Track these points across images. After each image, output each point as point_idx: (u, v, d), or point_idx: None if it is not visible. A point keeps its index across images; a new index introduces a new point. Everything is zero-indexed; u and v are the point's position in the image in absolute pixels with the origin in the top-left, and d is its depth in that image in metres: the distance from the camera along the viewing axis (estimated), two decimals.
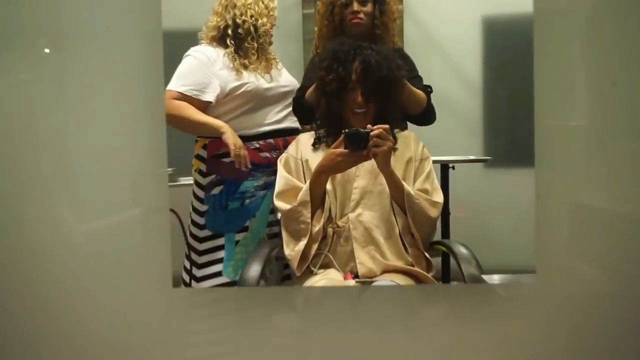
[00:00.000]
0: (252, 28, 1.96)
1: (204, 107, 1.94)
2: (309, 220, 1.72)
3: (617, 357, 1.36)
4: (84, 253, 1.47)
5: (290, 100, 2.02)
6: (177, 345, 1.46)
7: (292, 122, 2.04)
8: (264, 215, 1.99)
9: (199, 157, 2.02)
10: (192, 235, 2.02)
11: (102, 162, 1.48)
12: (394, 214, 1.75)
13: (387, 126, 1.65)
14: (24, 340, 1.47)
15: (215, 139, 1.96)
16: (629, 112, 1.33)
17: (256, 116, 1.99)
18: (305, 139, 1.88)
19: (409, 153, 1.82)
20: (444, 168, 2.07)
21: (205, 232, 2.00)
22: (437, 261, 1.80)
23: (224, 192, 1.98)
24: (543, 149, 1.35)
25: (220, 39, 1.99)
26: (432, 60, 2.27)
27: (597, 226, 1.36)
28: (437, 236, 1.85)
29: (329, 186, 1.76)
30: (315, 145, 1.84)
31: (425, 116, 1.94)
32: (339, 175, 1.78)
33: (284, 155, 1.87)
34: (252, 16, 1.96)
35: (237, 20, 1.96)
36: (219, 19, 1.98)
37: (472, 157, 2.20)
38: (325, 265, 1.74)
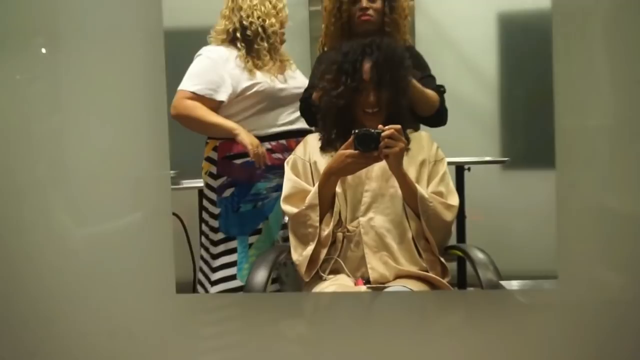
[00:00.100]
0: (260, 29, 2.01)
1: (216, 106, 1.98)
2: (317, 224, 1.72)
3: None
4: (83, 259, 1.48)
5: None
6: (180, 354, 1.46)
7: (305, 123, 2.05)
8: (277, 217, 2.02)
9: (209, 160, 2.05)
10: (206, 238, 2.06)
11: (102, 165, 1.49)
12: (407, 217, 1.75)
13: (399, 126, 1.65)
14: (21, 349, 1.47)
15: (226, 140, 2.00)
16: None
17: (268, 117, 2.03)
18: (314, 140, 1.87)
19: (423, 154, 1.82)
20: (459, 170, 2.06)
21: (219, 235, 2.03)
22: (452, 266, 1.79)
23: (235, 195, 2.02)
24: (563, 150, 1.35)
25: (230, 42, 2.03)
26: (446, 59, 2.26)
27: (621, 230, 1.35)
28: (453, 240, 1.84)
29: (338, 189, 1.76)
30: (324, 147, 1.84)
31: (437, 117, 1.93)
32: (349, 178, 1.77)
33: (291, 157, 1.87)
34: (259, 17, 2.00)
35: (244, 22, 2.00)
36: (227, 23, 2.03)
37: (488, 159, 2.19)
38: (335, 271, 1.73)
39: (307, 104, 1.96)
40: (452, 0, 2.35)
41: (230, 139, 1.97)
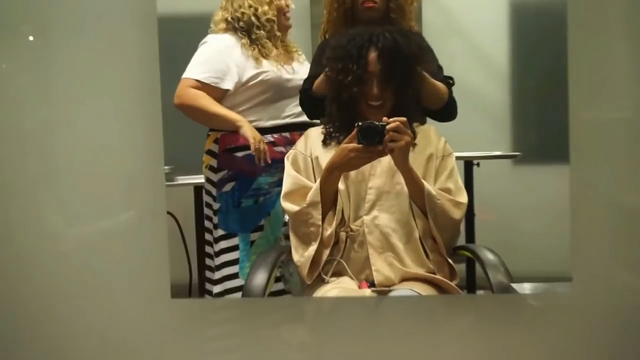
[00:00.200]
0: (253, 18, 2.04)
1: (221, 95, 2.01)
2: (319, 223, 1.71)
3: None
4: (73, 260, 1.47)
5: None
6: None
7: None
8: (279, 213, 2.02)
9: (210, 153, 2.07)
10: (210, 234, 2.09)
11: (93, 161, 1.48)
12: (414, 216, 1.74)
13: (404, 119, 1.63)
14: (8, 356, 1.47)
15: (228, 133, 2.02)
16: None
17: (273, 108, 2.05)
18: (315, 134, 1.86)
19: (430, 149, 1.80)
20: (468, 165, 2.05)
21: (219, 232, 2.05)
22: (461, 268, 1.79)
23: (236, 189, 2.03)
24: (578, 144, 1.34)
25: (233, 30, 2.06)
26: (454, 47, 2.25)
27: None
28: (461, 240, 1.84)
29: (341, 186, 1.75)
30: (326, 141, 1.83)
31: (446, 111, 1.92)
32: (352, 174, 1.76)
33: (291, 151, 1.86)
34: (250, 6, 2.05)
35: (237, 13, 2.05)
36: (223, 13, 2.08)
37: (499, 153, 2.18)
38: (338, 273, 1.73)
39: (307, 95, 1.95)
40: None
41: (232, 131, 1.99)
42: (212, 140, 2.06)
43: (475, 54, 2.27)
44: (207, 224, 2.08)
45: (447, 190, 1.76)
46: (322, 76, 1.86)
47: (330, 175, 1.71)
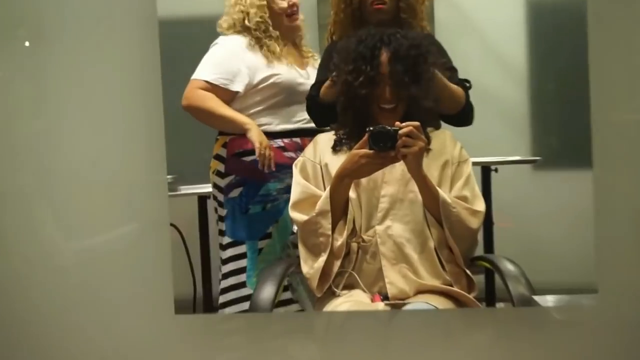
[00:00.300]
0: (246, 21, 2.10)
1: (231, 98, 2.05)
2: (329, 233, 1.70)
3: None
4: (71, 276, 1.47)
5: None
6: None
7: None
8: (287, 221, 2.02)
9: (217, 157, 2.09)
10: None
11: (92, 170, 1.48)
12: (428, 225, 1.73)
13: (417, 123, 1.63)
14: None
15: (237, 136, 2.04)
16: None
17: (284, 112, 2.08)
18: (324, 140, 1.85)
19: (445, 155, 1.79)
20: (486, 171, 2.05)
21: (226, 239, 2.07)
22: (479, 279, 1.78)
23: (244, 195, 2.05)
24: (602, 147, 1.33)
25: (239, 33, 2.11)
26: (469, 48, 2.25)
27: None
28: (479, 250, 1.83)
29: (352, 194, 1.74)
30: (336, 147, 1.82)
31: (463, 116, 1.91)
32: (364, 181, 1.75)
33: (300, 158, 1.86)
34: (241, 11, 2.10)
35: (234, 16, 2.11)
36: (226, 17, 2.14)
37: (518, 158, 2.18)
38: (350, 286, 1.71)
39: (313, 102, 1.94)
40: None
41: (241, 134, 2.01)
42: (220, 144, 2.08)
43: (491, 54, 2.27)
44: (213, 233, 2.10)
45: (464, 198, 1.75)
46: (329, 82, 1.85)
47: (341, 183, 1.70)
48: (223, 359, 1.46)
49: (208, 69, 2.04)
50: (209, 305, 2.09)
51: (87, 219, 1.48)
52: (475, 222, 1.73)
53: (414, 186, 1.71)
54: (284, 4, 2.11)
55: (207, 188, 2.14)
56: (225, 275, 2.06)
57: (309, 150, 1.86)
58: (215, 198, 2.11)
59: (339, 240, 1.71)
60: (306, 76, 2.10)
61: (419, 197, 1.72)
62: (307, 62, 2.16)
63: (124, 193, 1.47)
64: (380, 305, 1.65)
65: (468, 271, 1.73)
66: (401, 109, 1.74)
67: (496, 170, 2.06)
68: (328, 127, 1.96)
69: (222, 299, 2.03)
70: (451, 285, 1.70)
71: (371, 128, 1.63)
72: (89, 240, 1.47)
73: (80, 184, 1.48)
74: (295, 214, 1.77)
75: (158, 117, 1.46)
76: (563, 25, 2.10)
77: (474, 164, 1.85)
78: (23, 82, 1.49)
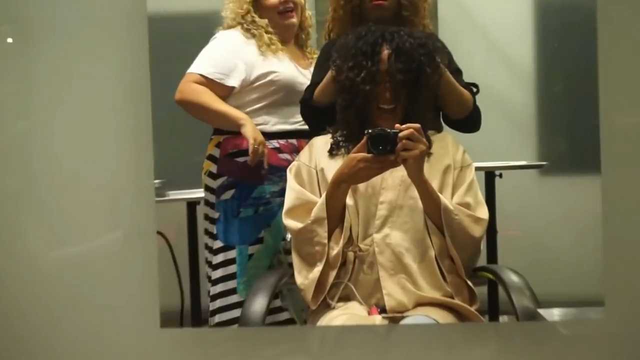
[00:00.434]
0: (231, 19, 2.16)
1: (226, 93, 2.07)
2: (325, 242, 1.70)
3: None
4: (53, 285, 1.46)
5: None
6: None
7: None
8: (280, 225, 2.02)
9: (210, 158, 2.12)
10: (206, 246, 2.13)
11: (76, 176, 1.47)
12: (429, 233, 1.73)
13: (418, 126, 1.62)
14: None
15: (231, 136, 2.06)
16: None
17: (282, 111, 2.10)
18: (320, 143, 1.85)
19: (447, 159, 1.79)
20: (490, 176, 2.05)
21: (218, 243, 2.08)
22: (482, 291, 1.78)
23: (235, 197, 2.07)
24: (611, 152, 1.32)
25: (237, 28, 2.15)
26: (473, 47, 2.25)
27: None
28: (482, 260, 1.83)
29: (349, 200, 1.73)
30: (333, 151, 1.81)
31: (470, 121, 1.91)
32: (361, 187, 1.75)
33: (294, 163, 1.85)
34: (227, 9, 2.18)
35: (228, 11, 2.18)
36: (224, 12, 2.19)
37: (523, 163, 2.18)
38: (346, 298, 1.71)
39: (306, 105, 1.94)
40: None
41: (235, 134, 2.03)
42: (214, 144, 2.10)
43: (496, 54, 2.27)
44: (205, 237, 2.12)
45: (466, 205, 1.75)
46: (325, 78, 1.84)
47: (337, 189, 1.70)
48: None
49: (204, 63, 2.06)
50: (197, 318, 2.09)
51: (70, 225, 1.47)
52: (478, 231, 1.73)
53: (414, 192, 1.71)
54: (274, 0, 2.13)
55: (196, 193, 2.15)
56: (215, 282, 2.07)
57: (304, 154, 1.86)
58: (207, 201, 2.12)
59: (335, 249, 1.70)
60: (309, 76, 2.10)
61: (420, 203, 1.72)
62: (311, 63, 2.17)
63: (107, 198, 1.46)
64: (378, 319, 1.64)
65: (470, 282, 1.73)
66: (400, 111, 1.74)
67: (500, 175, 2.06)
68: (323, 131, 1.96)
69: (212, 306, 2.04)
70: (452, 297, 1.70)
71: (370, 131, 1.63)
72: (69, 249, 1.46)
73: (63, 188, 1.47)
74: (289, 221, 1.76)
75: (146, 117, 1.45)
76: (571, 24, 2.10)
77: (477, 169, 1.85)
78: (4, 81, 1.49)
